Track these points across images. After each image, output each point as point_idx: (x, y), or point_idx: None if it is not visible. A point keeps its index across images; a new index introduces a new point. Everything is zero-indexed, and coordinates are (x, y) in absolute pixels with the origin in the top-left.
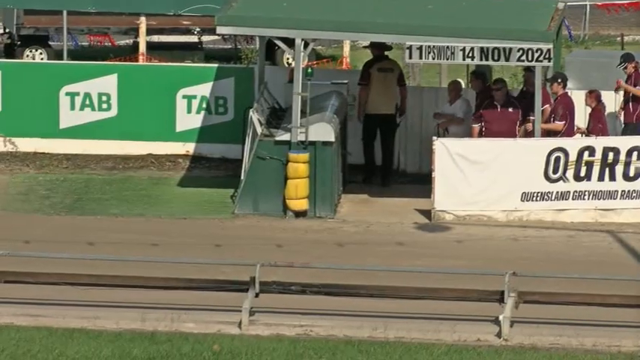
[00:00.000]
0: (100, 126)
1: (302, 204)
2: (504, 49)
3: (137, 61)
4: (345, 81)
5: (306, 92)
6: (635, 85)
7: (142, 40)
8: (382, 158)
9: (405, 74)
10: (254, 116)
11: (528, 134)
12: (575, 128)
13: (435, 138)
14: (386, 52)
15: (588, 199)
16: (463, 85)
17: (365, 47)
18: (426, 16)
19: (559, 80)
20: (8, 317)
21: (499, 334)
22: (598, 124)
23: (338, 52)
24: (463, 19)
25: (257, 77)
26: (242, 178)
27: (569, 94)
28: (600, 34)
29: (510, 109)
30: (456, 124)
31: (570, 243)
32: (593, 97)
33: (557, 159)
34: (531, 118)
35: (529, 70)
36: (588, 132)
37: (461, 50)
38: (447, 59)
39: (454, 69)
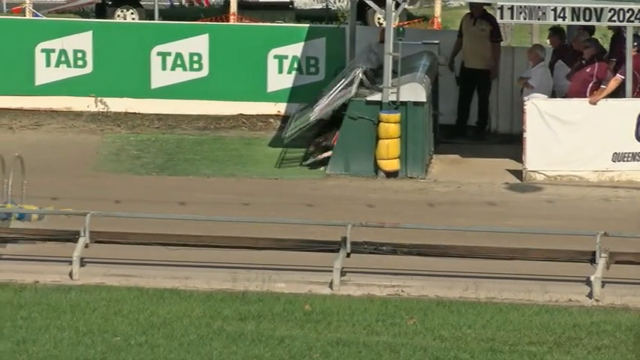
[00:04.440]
0: (192, 86)
1: (393, 164)
2: (595, 9)
3: (228, 21)
4: (437, 41)
5: (398, 52)
6: None
7: (233, 0)
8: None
9: None
10: (357, 77)
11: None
12: None
13: (526, 98)
14: None
15: None
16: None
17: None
18: None
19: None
20: (99, 277)
21: (590, 295)
22: None
23: (429, 12)
24: None
25: (348, 37)
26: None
27: None
28: None
29: (587, 70)
30: (528, 88)
31: None
32: None
33: None
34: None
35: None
36: None
37: (552, 10)
38: (539, 19)
39: (545, 29)
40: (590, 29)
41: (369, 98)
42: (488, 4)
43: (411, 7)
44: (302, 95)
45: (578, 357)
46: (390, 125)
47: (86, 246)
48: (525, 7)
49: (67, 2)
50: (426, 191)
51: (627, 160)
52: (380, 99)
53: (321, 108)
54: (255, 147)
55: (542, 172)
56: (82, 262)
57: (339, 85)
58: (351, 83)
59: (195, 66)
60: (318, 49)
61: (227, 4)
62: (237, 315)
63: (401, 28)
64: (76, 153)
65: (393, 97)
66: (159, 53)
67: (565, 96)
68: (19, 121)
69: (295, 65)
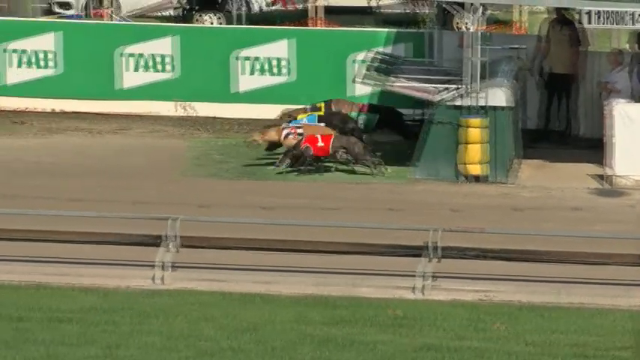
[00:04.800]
0: (274, 90)
1: (478, 169)
2: None
3: (307, 25)
4: (523, 46)
5: (483, 57)
6: None
7: (316, 4)
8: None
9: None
10: (454, 94)
11: None
12: None
13: (608, 102)
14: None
15: None
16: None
17: None
18: None
19: None
20: (184, 282)
21: None
22: None
23: (512, 16)
24: None
25: (428, 41)
26: (419, 142)
27: None
28: None
29: None
30: (614, 92)
31: None
32: None
33: None
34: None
35: None
36: None
37: (629, 15)
38: (617, 24)
39: (625, 33)
40: None
41: (454, 103)
42: (570, 10)
43: (497, 11)
44: (383, 99)
45: None
46: (475, 130)
47: (177, 250)
48: (605, 12)
49: (160, 4)
50: (511, 196)
51: None
52: (465, 104)
53: (403, 86)
54: None
55: (628, 177)
56: (168, 267)
57: (435, 78)
58: (444, 90)
59: (278, 70)
60: (400, 54)
61: (310, 8)
62: (324, 320)
63: (487, 33)
64: (160, 158)
65: (478, 102)
66: (242, 57)
67: None
68: (102, 126)
69: None
